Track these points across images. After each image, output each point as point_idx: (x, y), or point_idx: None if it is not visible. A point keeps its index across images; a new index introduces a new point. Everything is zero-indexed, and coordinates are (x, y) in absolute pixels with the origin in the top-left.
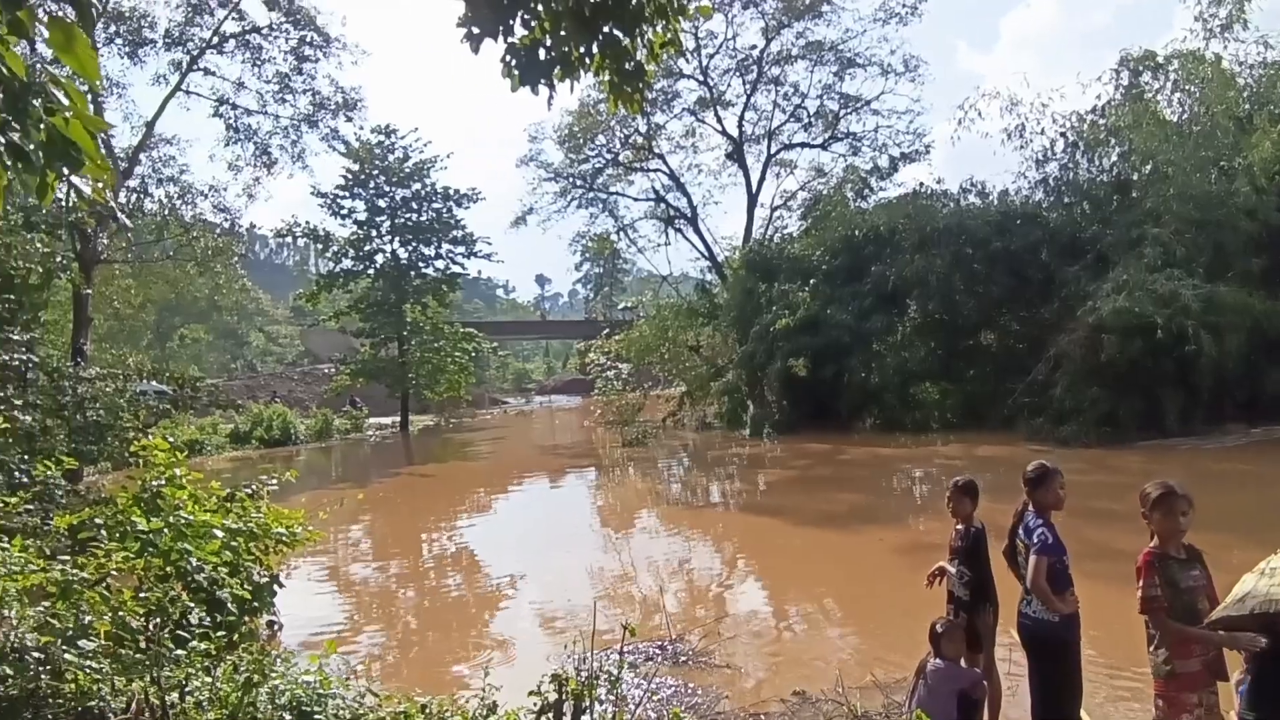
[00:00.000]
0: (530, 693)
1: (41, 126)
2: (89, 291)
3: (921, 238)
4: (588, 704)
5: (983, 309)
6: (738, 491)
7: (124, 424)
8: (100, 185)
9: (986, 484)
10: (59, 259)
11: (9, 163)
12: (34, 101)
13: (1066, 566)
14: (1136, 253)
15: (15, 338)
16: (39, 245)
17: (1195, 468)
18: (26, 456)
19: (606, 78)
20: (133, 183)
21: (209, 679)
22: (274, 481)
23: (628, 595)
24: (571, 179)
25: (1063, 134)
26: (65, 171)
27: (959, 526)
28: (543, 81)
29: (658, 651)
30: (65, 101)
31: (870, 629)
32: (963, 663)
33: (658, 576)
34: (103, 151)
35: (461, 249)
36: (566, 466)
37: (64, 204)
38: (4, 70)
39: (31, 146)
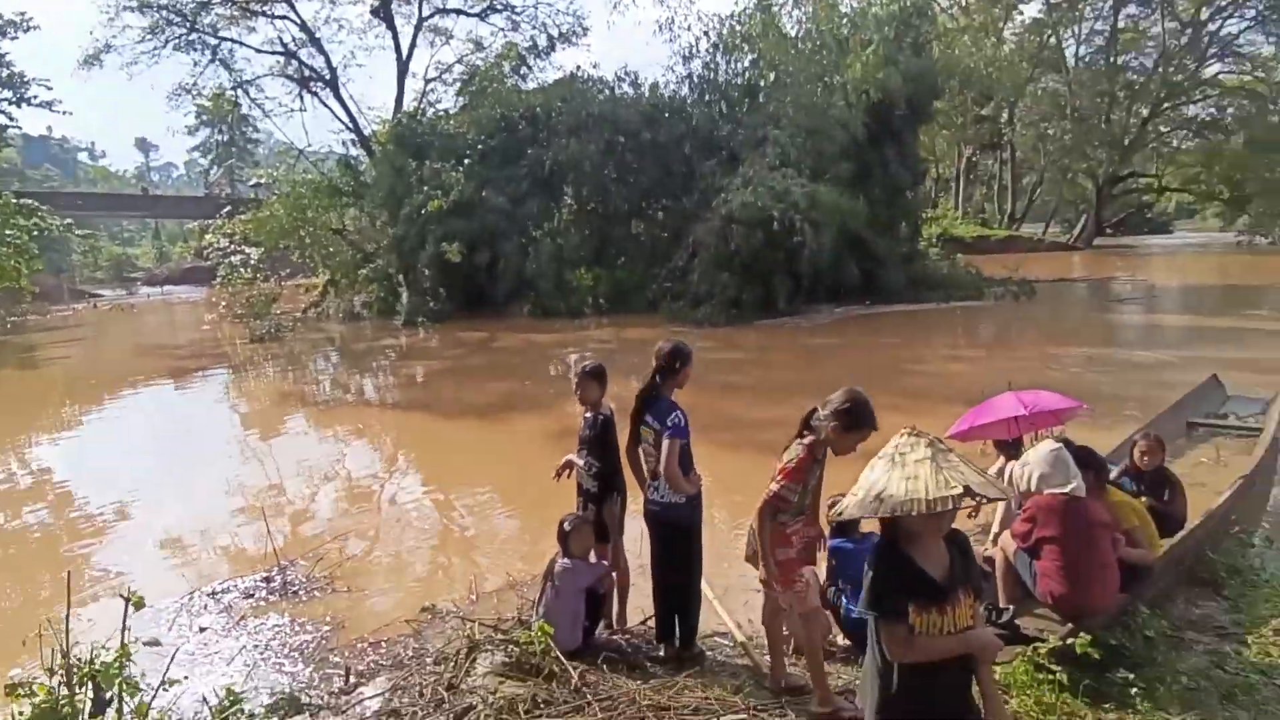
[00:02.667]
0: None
1: None
2: None
3: (577, 123)
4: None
5: (633, 198)
6: (391, 385)
7: None
8: None
9: (633, 365)
10: None
11: None
12: None
13: (689, 448)
14: (760, 152)
15: None
16: None
17: (799, 342)
18: None
19: None
20: None
21: None
22: None
23: (276, 508)
24: (165, 12)
25: (706, 34)
26: None
27: (587, 414)
28: None
29: (261, 584)
30: None
31: (513, 528)
32: (592, 556)
33: (283, 488)
34: None
35: (8, 93)
36: (184, 369)
37: None
38: None
39: None
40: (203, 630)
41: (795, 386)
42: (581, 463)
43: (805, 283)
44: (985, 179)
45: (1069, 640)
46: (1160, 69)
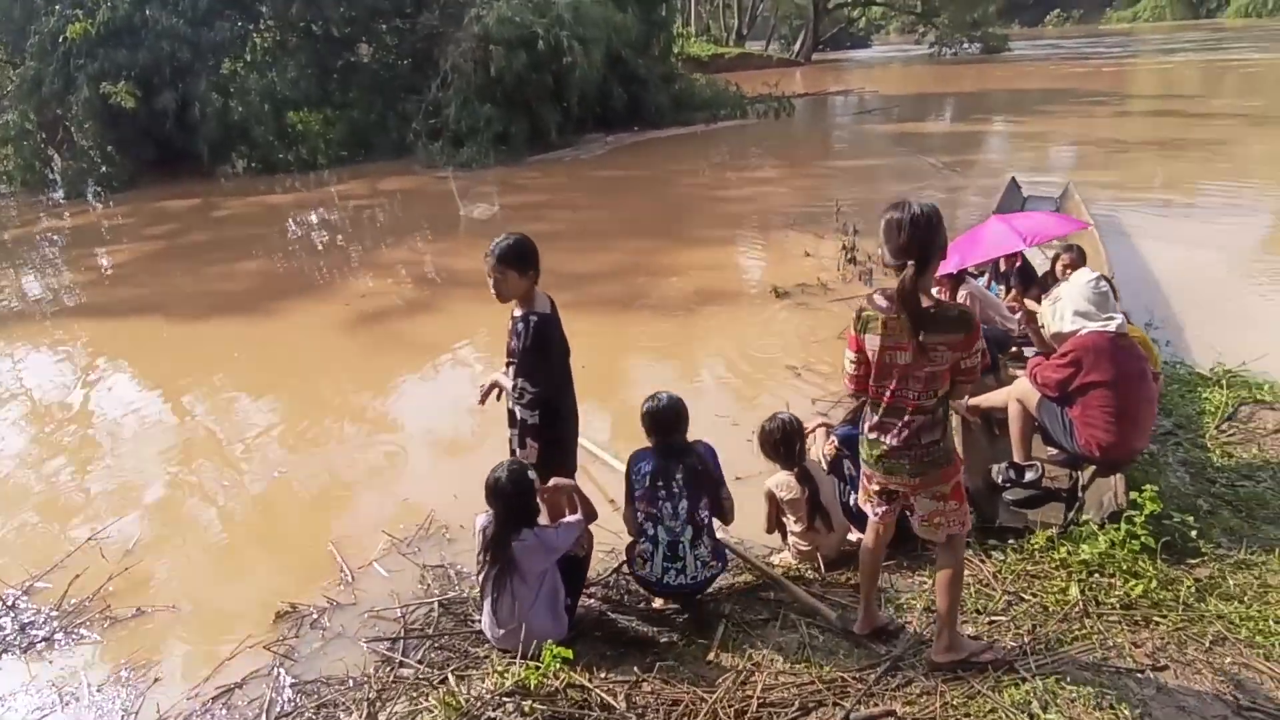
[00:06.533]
0: None
1: None
2: None
3: None
4: None
5: (357, 15)
6: (81, 284)
7: None
8: None
9: (395, 222)
10: None
11: None
12: None
13: None
14: None
15: None
16: None
17: (586, 176)
18: None
19: None
20: None
21: None
22: None
23: None
24: None
25: None
26: None
27: (516, 313)
28: None
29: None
30: None
31: (348, 458)
32: (544, 515)
33: None
34: None
35: None
36: None
37: None
38: None
39: None
40: None
41: (613, 227)
42: (509, 385)
43: (575, 112)
44: None
45: (1137, 496)
46: None
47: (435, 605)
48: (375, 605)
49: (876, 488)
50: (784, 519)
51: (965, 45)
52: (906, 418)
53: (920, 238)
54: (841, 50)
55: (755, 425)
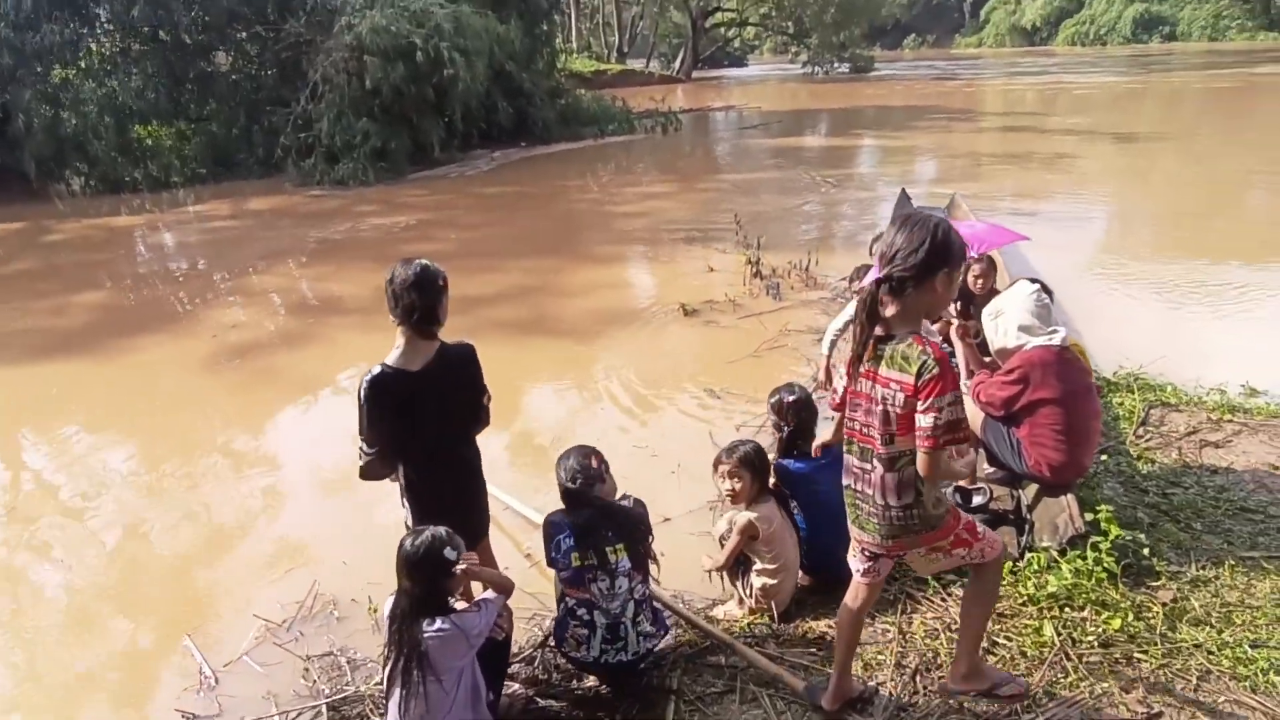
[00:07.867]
0: None
1: None
2: None
3: None
4: None
5: (213, 21)
6: None
7: None
8: None
9: (266, 244)
10: None
11: None
12: None
13: None
14: None
15: None
16: None
17: (471, 193)
18: None
19: None
20: None
21: None
22: None
23: None
24: None
25: None
26: None
27: None
28: None
29: None
30: None
31: (221, 530)
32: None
33: None
34: None
35: None
36: None
37: None
38: None
39: None
40: None
41: (505, 246)
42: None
43: (458, 126)
44: (588, 12)
45: (1093, 517)
46: None
47: (323, 708)
48: (245, 714)
49: (854, 541)
50: (753, 557)
51: (835, 65)
52: (872, 462)
53: (900, 250)
54: (720, 68)
55: (677, 456)
